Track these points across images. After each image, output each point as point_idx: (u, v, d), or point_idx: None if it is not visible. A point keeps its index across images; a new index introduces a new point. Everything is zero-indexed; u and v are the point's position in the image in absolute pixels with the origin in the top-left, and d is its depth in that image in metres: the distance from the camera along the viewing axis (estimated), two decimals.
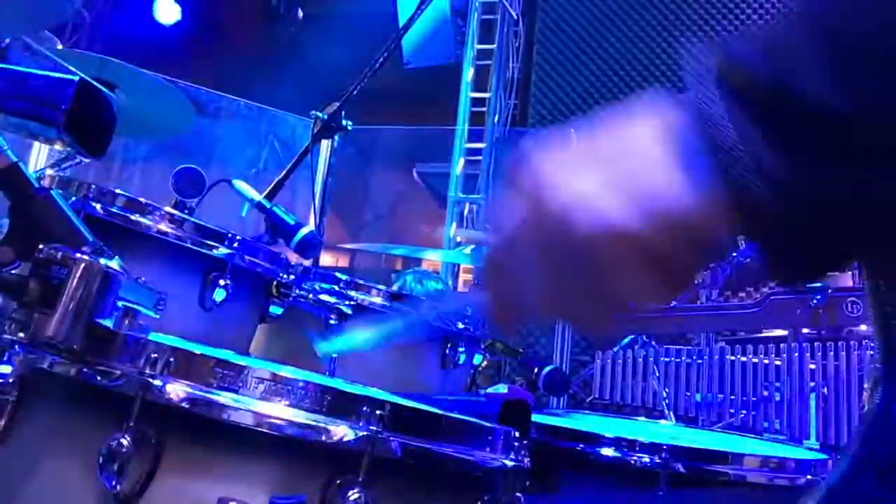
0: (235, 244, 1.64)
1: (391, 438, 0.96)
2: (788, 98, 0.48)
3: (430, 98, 6.67)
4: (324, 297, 1.93)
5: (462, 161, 6.13)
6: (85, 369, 0.95)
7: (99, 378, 0.95)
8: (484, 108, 6.18)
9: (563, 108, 6.04)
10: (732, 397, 2.79)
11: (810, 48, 0.48)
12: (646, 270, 0.53)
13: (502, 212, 0.60)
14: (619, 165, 0.54)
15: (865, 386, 2.58)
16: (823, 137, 0.48)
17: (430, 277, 3.82)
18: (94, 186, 1.57)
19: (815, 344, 2.74)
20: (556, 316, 0.61)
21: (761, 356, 2.78)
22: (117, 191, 1.57)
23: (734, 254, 2.75)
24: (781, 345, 2.79)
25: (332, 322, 1.91)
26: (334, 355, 1.71)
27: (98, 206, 1.53)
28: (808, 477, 1.59)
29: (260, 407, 0.94)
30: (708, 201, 0.52)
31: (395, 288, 2.76)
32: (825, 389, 2.71)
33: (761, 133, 0.49)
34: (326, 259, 7.13)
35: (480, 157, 6.10)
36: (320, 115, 2.35)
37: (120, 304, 0.99)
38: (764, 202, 0.50)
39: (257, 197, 1.95)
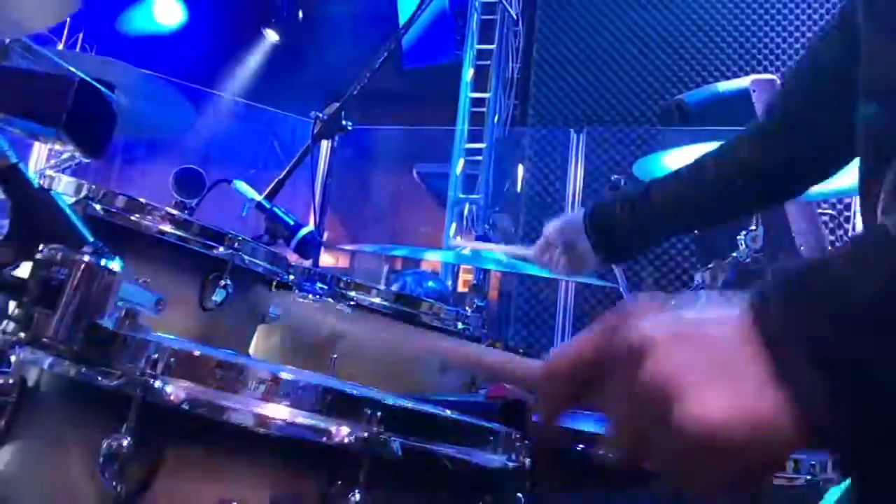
0: (235, 244, 1.63)
1: (391, 439, 0.96)
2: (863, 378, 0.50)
3: (430, 98, 6.68)
4: (323, 297, 1.92)
5: (462, 161, 6.13)
6: (85, 370, 0.95)
7: (99, 379, 0.95)
8: (483, 108, 6.18)
9: (563, 108, 6.04)
10: None
11: None
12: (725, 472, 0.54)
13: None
14: (718, 355, 0.54)
15: None
16: None
17: (428, 279, 3.82)
18: (93, 186, 1.56)
19: None
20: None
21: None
22: (117, 191, 1.57)
23: (734, 254, 2.75)
24: None
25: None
26: (334, 356, 1.71)
27: (98, 207, 1.53)
28: (808, 477, 1.59)
29: (260, 408, 0.94)
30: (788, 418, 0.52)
31: (393, 288, 2.76)
32: None
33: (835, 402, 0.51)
34: (326, 259, 7.13)
35: (480, 157, 6.10)
36: (320, 115, 2.35)
37: (120, 304, 0.99)
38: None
39: (257, 197, 1.95)
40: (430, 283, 3.67)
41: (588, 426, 1.33)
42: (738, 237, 2.73)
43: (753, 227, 2.71)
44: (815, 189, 1.41)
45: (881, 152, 0.81)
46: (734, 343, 0.54)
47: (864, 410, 0.50)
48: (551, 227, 1.58)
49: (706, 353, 0.54)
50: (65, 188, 1.57)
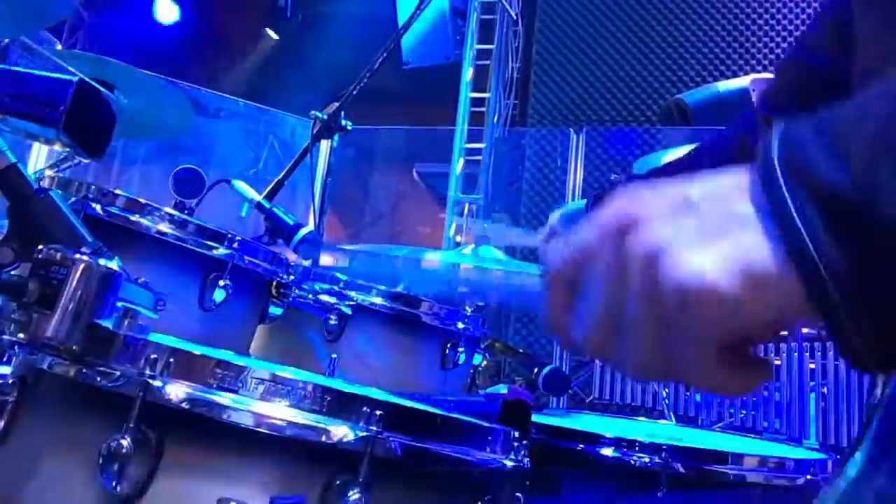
0: (235, 244, 1.63)
1: (391, 439, 0.96)
2: (867, 215, 0.46)
3: (429, 98, 6.67)
4: (324, 297, 1.92)
5: (462, 161, 6.13)
6: (84, 370, 0.95)
7: (99, 379, 0.95)
8: (483, 108, 6.18)
9: (563, 108, 6.04)
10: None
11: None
12: (722, 336, 0.50)
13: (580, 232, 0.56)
14: (712, 220, 0.51)
15: (878, 381, 2.57)
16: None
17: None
18: (93, 187, 1.56)
19: (815, 343, 2.74)
20: (607, 357, 0.57)
21: (761, 356, 2.78)
22: (117, 191, 1.57)
23: None
24: (781, 344, 2.79)
25: (331, 322, 1.91)
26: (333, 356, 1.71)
27: (97, 207, 1.53)
28: (808, 477, 1.59)
29: (260, 407, 0.94)
30: (783, 270, 0.48)
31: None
32: (825, 389, 2.71)
33: (826, 229, 0.47)
34: (326, 259, 7.13)
35: (480, 157, 6.10)
36: (320, 115, 2.35)
37: (119, 304, 0.99)
38: (821, 281, 0.47)
39: (257, 197, 1.95)
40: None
41: (588, 426, 1.33)
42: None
43: None
44: None
45: None
46: (729, 203, 0.51)
47: (867, 253, 0.46)
48: (556, 216, 1.59)
49: (700, 217, 0.51)
50: (64, 188, 1.57)
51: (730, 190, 0.52)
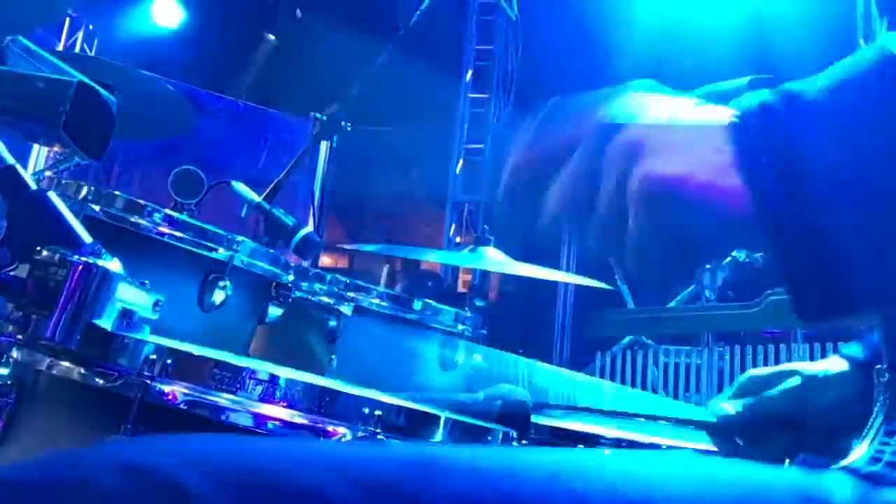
0: (234, 246, 1.63)
1: (390, 439, 0.96)
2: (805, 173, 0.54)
3: (430, 98, 6.67)
4: (323, 297, 1.92)
5: (462, 161, 6.13)
6: (83, 371, 0.95)
7: (97, 380, 0.95)
8: (483, 109, 6.18)
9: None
10: None
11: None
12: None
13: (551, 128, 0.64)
14: (690, 140, 0.58)
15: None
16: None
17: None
18: (92, 188, 1.56)
19: (815, 344, 2.74)
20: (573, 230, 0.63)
21: (761, 356, 2.78)
22: (116, 192, 1.57)
23: (733, 254, 2.75)
24: (781, 345, 2.79)
25: (331, 323, 1.91)
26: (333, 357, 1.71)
27: (97, 208, 1.53)
28: None
29: (259, 408, 0.94)
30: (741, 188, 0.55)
31: None
32: None
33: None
34: (325, 260, 7.13)
35: (480, 157, 6.11)
36: (320, 115, 2.35)
37: (118, 305, 0.99)
38: (777, 230, 0.54)
39: (256, 198, 1.95)
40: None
41: (588, 426, 1.33)
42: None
43: None
44: None
45: None
46: (706, 136, 0.58)
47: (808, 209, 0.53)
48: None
49: (677, 136, 0.58)
50: (63, 190, 1.57)
51: (708, 129, 0.59)
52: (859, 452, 0.73)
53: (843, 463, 0.72)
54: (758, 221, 0.54)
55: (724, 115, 0.58)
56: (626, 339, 3.46)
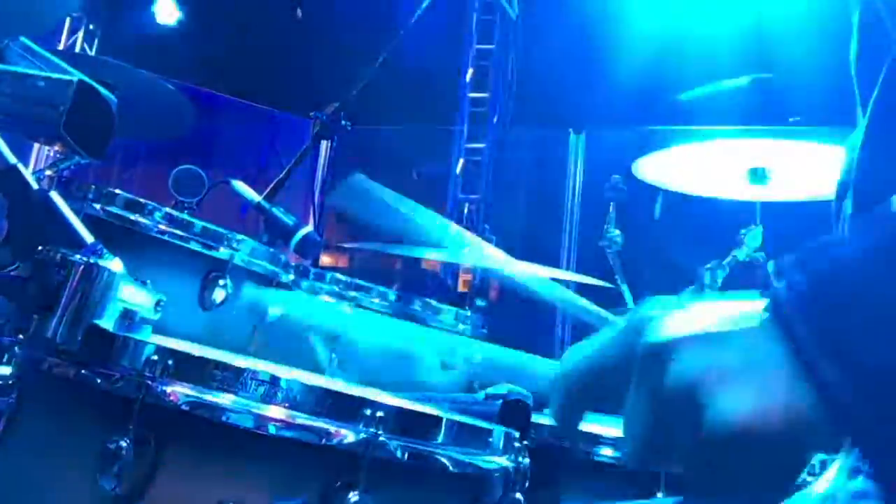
0: (235, 245, 1.63)
1: (391, 440, 0.96)
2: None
3: (430, 98, 6.67)
4: (324, 297, 1.92)
5: (462, 161, 6.13)
6: (84, 371, 0.95)
7: (98, 380, 0.95)
8: (484, 108, 6.18)
9: (563, 108, 6.03)
10: None
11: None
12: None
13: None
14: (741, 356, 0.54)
15: None
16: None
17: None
18: (93, 187, 1.56)
19: None
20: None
21: None
22: (117, 191, 1.57)
23: (734, 253, 2.75)
24: None
25: (330, 322, 1.91)
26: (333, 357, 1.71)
27: (98, 207, 1.53)
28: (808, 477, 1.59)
29: (260, 409, 0.94)
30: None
31: None
32: None
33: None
34: (325, 259, 7.13)
35: (480, 157, 6.10)
36: (320, 115, 2.35)
37: (119, 305, 0.99)
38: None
39: (257, 197, 1.95)
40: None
41: (588, 426, 1.33)
42: (738, 235, 2.72)
43: (753, 225, 2.71)
44: None
45: None
46: (759, 342, 0.54)
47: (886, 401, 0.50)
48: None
49: (732, 354, 0.54)
50: (64, 189, 1.57)
51: (755, 326, 0.55)
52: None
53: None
54: (831, 415, 0.51)
55: (756, 308, 0.55)
56: None
